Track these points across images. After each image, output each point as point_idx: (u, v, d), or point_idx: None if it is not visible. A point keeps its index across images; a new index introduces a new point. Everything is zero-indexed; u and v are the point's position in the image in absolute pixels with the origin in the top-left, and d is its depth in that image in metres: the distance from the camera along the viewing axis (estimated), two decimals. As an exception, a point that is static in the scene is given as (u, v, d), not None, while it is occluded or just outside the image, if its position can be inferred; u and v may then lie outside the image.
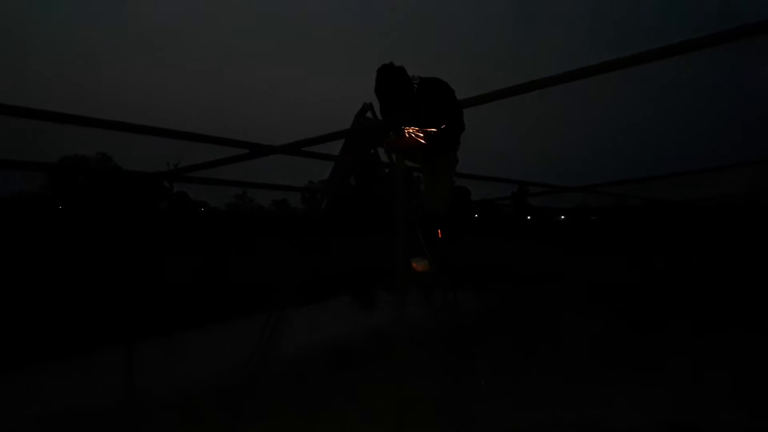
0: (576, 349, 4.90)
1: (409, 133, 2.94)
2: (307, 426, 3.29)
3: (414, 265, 3.10)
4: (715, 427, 3.25)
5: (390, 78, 2.93)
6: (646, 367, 4.31)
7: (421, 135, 3.00)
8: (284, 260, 3.25)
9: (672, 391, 3.76)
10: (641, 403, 3.58)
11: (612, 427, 3.26)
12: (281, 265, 3.24)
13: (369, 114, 3.03)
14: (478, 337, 5.05)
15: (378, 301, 7.12)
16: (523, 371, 4.23)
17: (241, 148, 3.17)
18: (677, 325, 5.78)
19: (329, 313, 7.20)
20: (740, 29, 1.69)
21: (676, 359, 4.57)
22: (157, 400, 3.73)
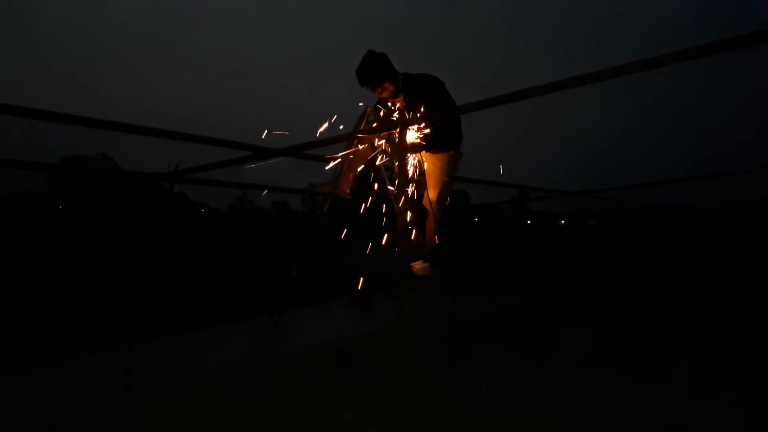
0: (576, 354, 4.90)
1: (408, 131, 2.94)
2: (306, 428, 3.29)
3: (414, 268, 3.10)
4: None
5: (371, 60, 2.97)
6: (646, 373, 4.31)
7: (420, 131, 3.00)
8: (284, 262, 3.25)
9: (671, 396, 3.76)
10: (640, 407, 3.58)
11: (611, 430, 3.27)
12: (282, 267, 3.24)
13: (371, 117, 3.05)
14: (477, 340, 5.05)
15: (378, 304, 7.11)
16: (523, 375, 4.23)
17: (244, 151, 3.19)
18: (678, 332, 5.78)
19: (329, 315, 7.19)
20: (741, 38, 1.71)
21: (676, 365, 4.57)
22: (157, 401, 3.73)
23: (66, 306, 7.36)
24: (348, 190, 3.27)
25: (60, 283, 8.48)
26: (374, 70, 2.97)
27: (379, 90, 2.99)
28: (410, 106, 3.02)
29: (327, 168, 3.20)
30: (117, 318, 4.57)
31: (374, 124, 3.01)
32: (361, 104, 3.14)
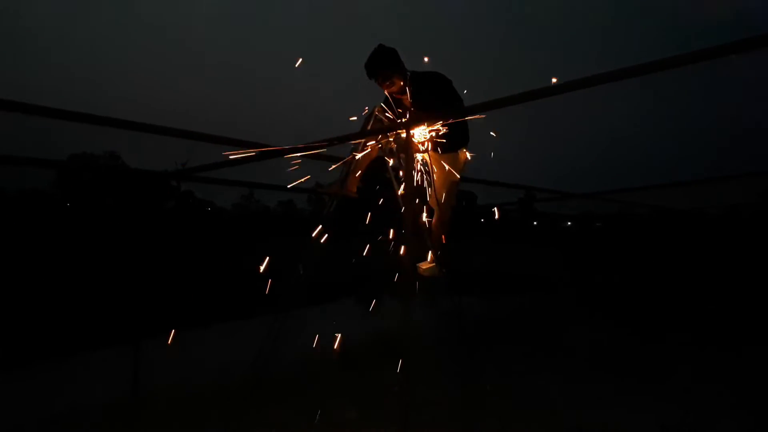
0: (581, 355, 4.88)
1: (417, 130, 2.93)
2: (311, 426, 3.29)
3: (421, 268, 3.09)
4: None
5: (381, 54, 2.97)
6: (651, 374, 4.29)
7: (429, 130, 2.99)
8: (291, 262, 3.25)
9: (676, 397, 3.74)
10: (645, 408, 3.56)
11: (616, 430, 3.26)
12: (288, 266, 3.24)
13: (378, 117, 3.04)
14: (483, 341, 5.04)
15: (384, 304, 7.11)
16: (528, 376, 4.22)
17: (250, 149, 3.19)
18: (684, 335, 5.74)
19: (335, 315, 7.19)
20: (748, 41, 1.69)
21: (681, 367, 4.55)
22: (162, 398, 3.75)
23: (73, 303, 7.39)
24: (355, 190, 3.27)
25: (67, 281, 8.52)
26: (383, 63, 2.96)
27: (387, 84, 2.98)
28: (417, 103, 3.01)
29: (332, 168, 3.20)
30: (124, 315, 4.60)
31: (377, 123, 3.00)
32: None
